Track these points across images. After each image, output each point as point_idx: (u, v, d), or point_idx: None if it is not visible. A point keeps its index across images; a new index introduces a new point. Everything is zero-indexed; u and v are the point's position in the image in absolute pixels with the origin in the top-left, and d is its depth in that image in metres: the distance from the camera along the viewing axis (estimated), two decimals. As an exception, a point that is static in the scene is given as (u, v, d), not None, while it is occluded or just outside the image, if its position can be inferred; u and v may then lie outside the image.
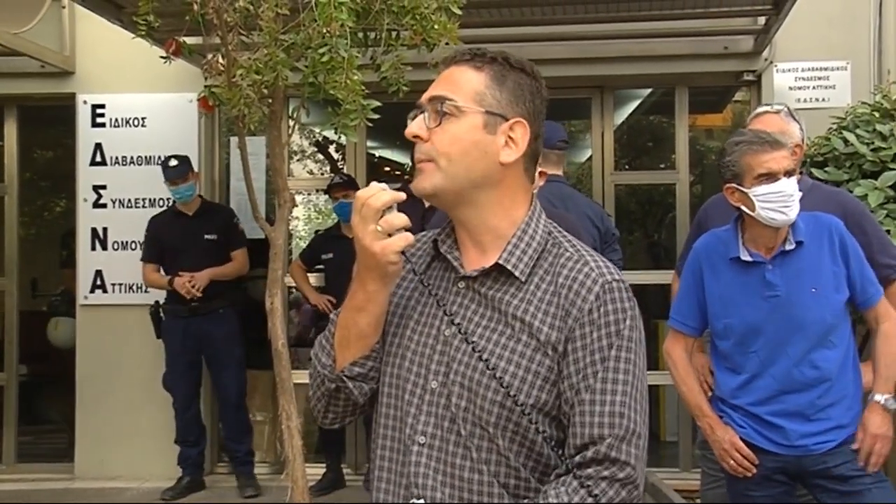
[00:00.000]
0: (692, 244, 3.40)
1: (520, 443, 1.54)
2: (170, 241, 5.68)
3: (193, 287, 5.48)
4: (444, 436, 1.55)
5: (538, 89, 1.64)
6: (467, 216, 1.62)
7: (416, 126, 1.59)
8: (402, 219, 1.53)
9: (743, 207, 2.79)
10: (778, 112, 3.33)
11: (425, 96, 1.62)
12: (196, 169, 5.86)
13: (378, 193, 1.52)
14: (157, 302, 5.76)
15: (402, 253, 1.54)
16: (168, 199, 6.01)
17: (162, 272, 5.72)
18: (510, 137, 1.59)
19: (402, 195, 1.55)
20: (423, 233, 1.75)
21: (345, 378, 1.62)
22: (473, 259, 1.63)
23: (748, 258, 2.81)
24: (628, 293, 1.56)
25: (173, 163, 5.63)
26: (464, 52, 1.64)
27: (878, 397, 2.78)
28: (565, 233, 1.67)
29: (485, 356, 1.53)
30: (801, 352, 2.75)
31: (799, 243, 2.77)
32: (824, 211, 2.90)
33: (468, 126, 1.57)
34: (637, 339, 1.55)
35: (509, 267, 1.58)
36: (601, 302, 1.53)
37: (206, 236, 5.64)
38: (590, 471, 1.47)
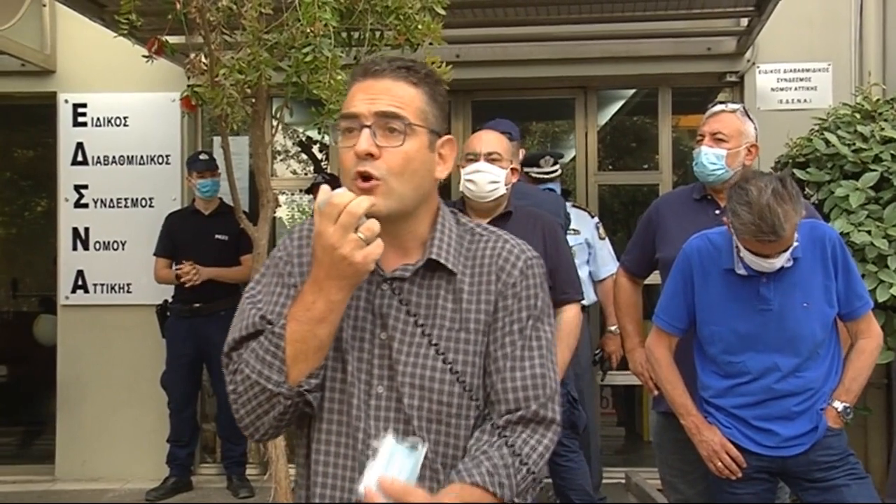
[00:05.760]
0: (641, 241, 3.41)
1: (475, 426, 1.57)
2: (182, 238, 5.68)
3: (195, 275, 5.47)
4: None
5: (445, 96, 1.67)
6: (401, 228, 1.60)
7: (367, 143, 1.52)
8: (378, 224, 1.47)
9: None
10: (734, 111, 3.30)
11: (367, 109, 1.54)
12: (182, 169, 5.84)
13: (358, 199, 1.45)
14: (165, 301, 5.73)
15: None
16: (151, 198, 6.02)
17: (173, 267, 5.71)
18: (440, 154, 1.62)
19: (375, 199, 1.50)
20: None
21: (304, 392, 1.53)
22: (392, 260, 1.60)
23: (743, 272, 2.75)
24: (543, 269, 1.67)
25: (204, 156, 5.71)
26: (394, 64, 1.59)
27: (837, 404, 2.78)
28: (463, 216, 1.71)
29: (432, 351, 1.55)
30: (790, 366, 2.74)
31: (795, 259, 2.72)
32: None
33: (418, 145, 1.56)
34: (548, 312, 1.65)
35: (442, 261, 1.60)
36: (524, 276, 1.62)
37: (217, 236, 5.62)
38: (525, 433, 1.55)
